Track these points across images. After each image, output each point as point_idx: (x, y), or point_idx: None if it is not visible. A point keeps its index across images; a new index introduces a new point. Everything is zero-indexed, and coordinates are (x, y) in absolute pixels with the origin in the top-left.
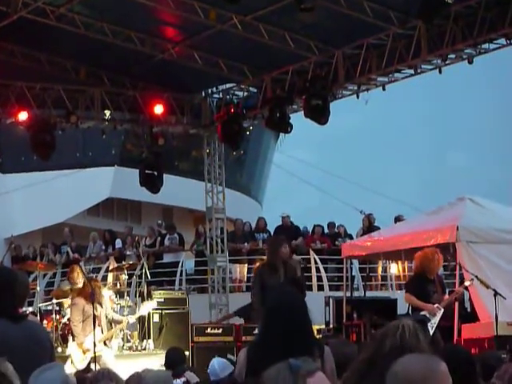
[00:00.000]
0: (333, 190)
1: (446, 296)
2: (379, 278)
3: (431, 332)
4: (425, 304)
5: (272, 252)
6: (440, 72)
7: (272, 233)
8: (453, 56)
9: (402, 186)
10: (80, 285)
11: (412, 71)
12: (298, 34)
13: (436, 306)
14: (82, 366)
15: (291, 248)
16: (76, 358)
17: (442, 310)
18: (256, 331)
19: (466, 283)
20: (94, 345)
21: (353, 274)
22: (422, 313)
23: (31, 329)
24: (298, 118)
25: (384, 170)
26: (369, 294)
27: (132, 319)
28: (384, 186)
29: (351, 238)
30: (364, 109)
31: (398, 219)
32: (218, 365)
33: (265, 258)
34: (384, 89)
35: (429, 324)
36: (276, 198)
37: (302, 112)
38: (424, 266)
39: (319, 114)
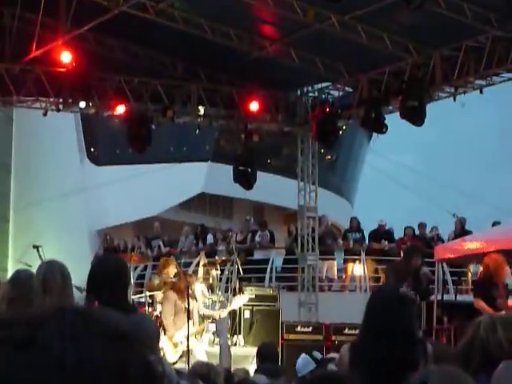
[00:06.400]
0: (431, 195)
1: (511, 303)
2: (470, 281)
3: None
4: (493, 312)
5: (405, 259)
6: None
7: (368, 238)
8: None
9: (505, 192)
10: (173, 279)
11: (511, 75)
12: (396, 34)
13: (503, 314)
14: (173, 359)
15: (422, 259)
16: (167, 352)
17: None
18: (345, 330)
19: None
20: (188, 339)
21: (445, 277)
22: None
23: (142, 321)
24: (400, 122)
25: (486, 176)
26: (459, 297)
27: (224, 313)
28: (486, 192)
29: (443, 241)
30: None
31: (495, 225)
32: (301, 362)
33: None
34: (481, 92)
35: None
36: (371, 199)
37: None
38: (492, 271)
39: (415, 116)
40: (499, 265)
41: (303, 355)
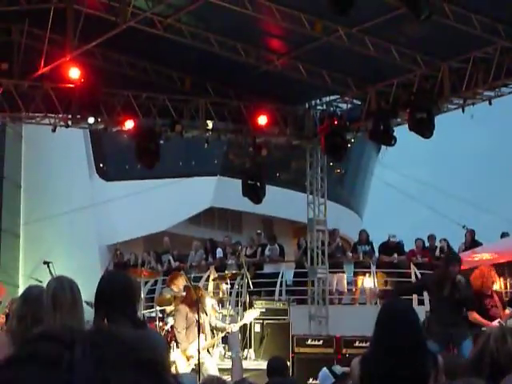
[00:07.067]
0: (440, 207)
1: (507, 312)
2: None
3: None
4: (487, 322)
5: (443, 266)
6: None
7: (377, 250)
8: None
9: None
10: (183, 292)
11: None
12: (404, 46)
13: (498, 321)
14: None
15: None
16: (180, 365)
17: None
18: (356, 343)
19: None
20: (199, 352)
21: None
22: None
23: (151, 336)
24: (408, 134)
25: (494, 188)
26: None
27: (235, 327)
28: (491, 202)
29: None
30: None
31: (504, 236)
32: (321, 376)
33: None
34: (490, 103)
35: None
36: (380, 211)
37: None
38: (480, 282)
39: (424, 128)
40: (483, 275)
41: (324, 369)
